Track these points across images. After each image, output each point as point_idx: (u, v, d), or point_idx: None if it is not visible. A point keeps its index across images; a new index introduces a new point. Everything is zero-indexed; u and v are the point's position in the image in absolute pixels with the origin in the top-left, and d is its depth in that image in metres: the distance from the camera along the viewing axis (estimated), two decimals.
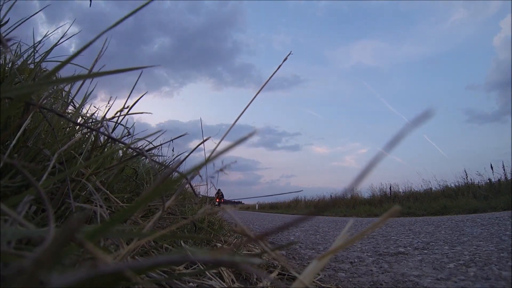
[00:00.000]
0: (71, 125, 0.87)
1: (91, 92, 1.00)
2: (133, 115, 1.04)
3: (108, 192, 0.69)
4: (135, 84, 0.87)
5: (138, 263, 0.19)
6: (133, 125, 1.16)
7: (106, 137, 0.81)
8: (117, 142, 0.78)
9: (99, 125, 0.80)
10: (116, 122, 0.92)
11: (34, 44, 0.93)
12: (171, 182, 0.33)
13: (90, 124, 0.86)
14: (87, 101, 1.00)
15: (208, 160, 0.32)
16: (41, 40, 0.96)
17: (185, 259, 0.20)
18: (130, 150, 1.05)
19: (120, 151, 1.26)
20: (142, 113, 1.10)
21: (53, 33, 1.05)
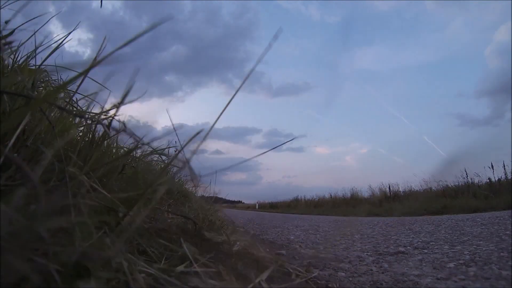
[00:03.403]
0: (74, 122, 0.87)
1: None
2: (138, 117, 1.04)
3: (104, 191, 0.69)
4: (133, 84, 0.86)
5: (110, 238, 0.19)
6: (124, 122, 1.15)
7: (104, 134, 0.81)
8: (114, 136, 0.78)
9: (96, 117, 0.80)
10: (112, 117, 0.91)
11: (35, 46, 0.92)
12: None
13: (89, 116, 0.85)
14: (94, 104, 1.00)
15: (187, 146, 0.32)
16: (42, 42, 0.96)
17: None
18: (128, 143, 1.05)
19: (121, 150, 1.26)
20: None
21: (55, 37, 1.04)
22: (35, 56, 0.92)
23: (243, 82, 0.67)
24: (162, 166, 1.42)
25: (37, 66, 0.92)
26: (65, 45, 0.99)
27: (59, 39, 0.98)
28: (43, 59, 0.92)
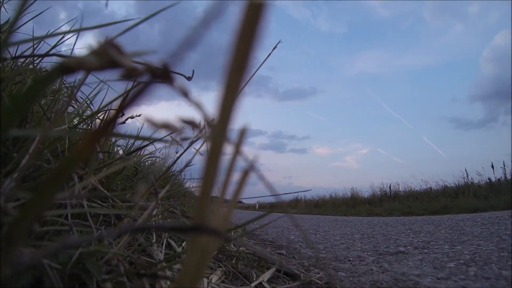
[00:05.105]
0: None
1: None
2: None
3: (107, 192, 0.69)
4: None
5: (108, 232, 0.19)
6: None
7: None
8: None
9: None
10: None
11: (33, 44, 0.92)
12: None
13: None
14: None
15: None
16: (41, 41, 0.95)
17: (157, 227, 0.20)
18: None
19: (121, 151, 1.26)
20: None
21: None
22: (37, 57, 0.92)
23: (246, 83, 0.67)
24: (158, 165, 1.42)
25: (37, 66, 0.92)
26: (76, 50, 0.99)
27: (63, 42, 0.97)
28: (46, 61, 0.92)
